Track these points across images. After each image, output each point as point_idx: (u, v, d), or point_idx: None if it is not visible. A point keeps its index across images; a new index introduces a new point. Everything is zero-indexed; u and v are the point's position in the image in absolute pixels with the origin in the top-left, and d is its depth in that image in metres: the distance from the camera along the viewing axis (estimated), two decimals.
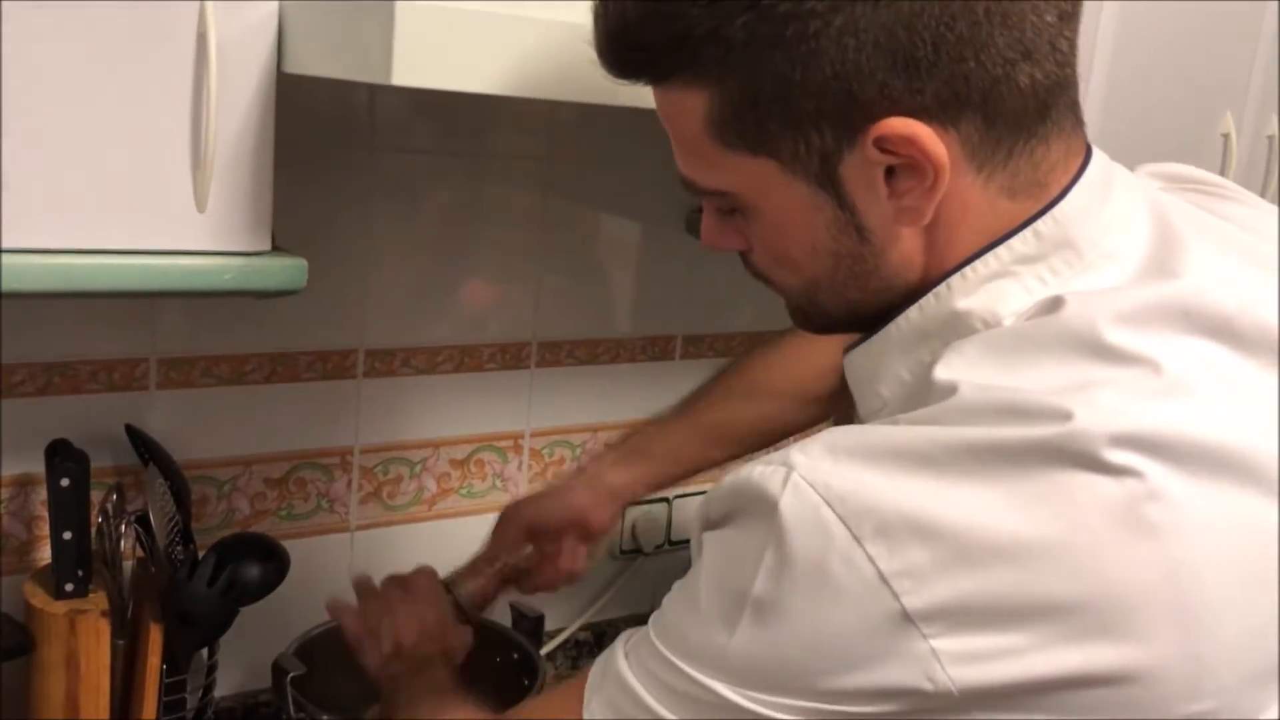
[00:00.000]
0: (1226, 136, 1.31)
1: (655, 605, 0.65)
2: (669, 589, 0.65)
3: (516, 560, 1.07)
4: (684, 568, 0.63)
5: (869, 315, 0.66)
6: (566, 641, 1.36)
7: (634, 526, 1.40)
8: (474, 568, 1.07)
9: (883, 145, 0.58)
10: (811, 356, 1.03)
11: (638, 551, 1.41)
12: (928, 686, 0.53)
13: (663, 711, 0.61)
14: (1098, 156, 0.64)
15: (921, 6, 0.55)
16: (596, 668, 0.67)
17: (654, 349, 1.40)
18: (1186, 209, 0.67)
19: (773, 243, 0.66)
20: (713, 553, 0.60)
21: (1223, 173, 1.32)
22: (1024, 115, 0.59)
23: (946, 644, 0.53)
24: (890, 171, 0.59)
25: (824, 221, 0.62)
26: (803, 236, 0.63)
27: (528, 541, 1.07)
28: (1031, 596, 0.52)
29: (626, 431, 1.10)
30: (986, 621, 0.52)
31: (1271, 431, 0.57)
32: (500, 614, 1.16)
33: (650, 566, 1.42)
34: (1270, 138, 1.35)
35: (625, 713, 0.63)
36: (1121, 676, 0.52)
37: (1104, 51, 1.17)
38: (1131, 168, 0.71)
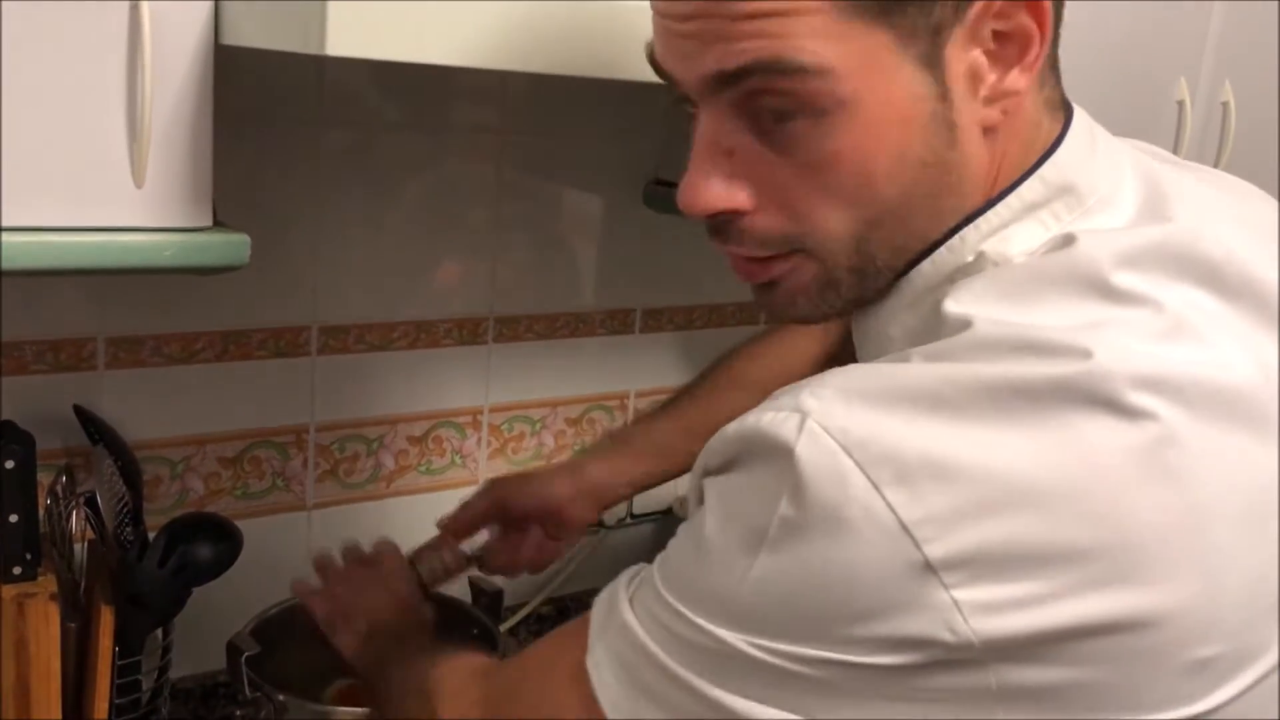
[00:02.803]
0: (1181, 103, 1.31)
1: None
2: (631, 563, 0.63)
3: (477, 542, 1.07)
4: (647, 541, 0.62)
5: (905, 268, 0.62)
6: (529, 616, 1.36)
7: None
8: (436, 543, 1.07)
9: (994, 10, 0.57)
10: (798, 348, 1.02)
11: (600, 525, 1.41)
12: (949, 638, 0.51)
13: (666, 659, 0.58)
14: (1079, 109, 0.65)
15: None
16: (599, 610, 0.64)
17: (613, 322, 1.39)
18: (1164, 167, 0.67)
19: (852, 157, 0.58)
20: (721, 499, 0.57)
21: (1177, 139, 1.32)
22: (1059, 23, 0.60)
23: (968, 594, 0.51)
24: (987, 55, 0.58)
25: (923, 119, 0.57)
26: (896, 141, 0.57)
27: (495, 521, 1.06)
28: (1053, 543, 0.51)
29: (617, 428, 1.09)
30: (1009, 570, 0.51)
31: (1256, 377, 0.57)
32: (459, 589, 1.16)
33: (613, 540, 1.42)
34: (1224, 104, 1.36)
35: (629, 659, 0.60)
36: (1139, 622, 0.51)
37: None
38: None
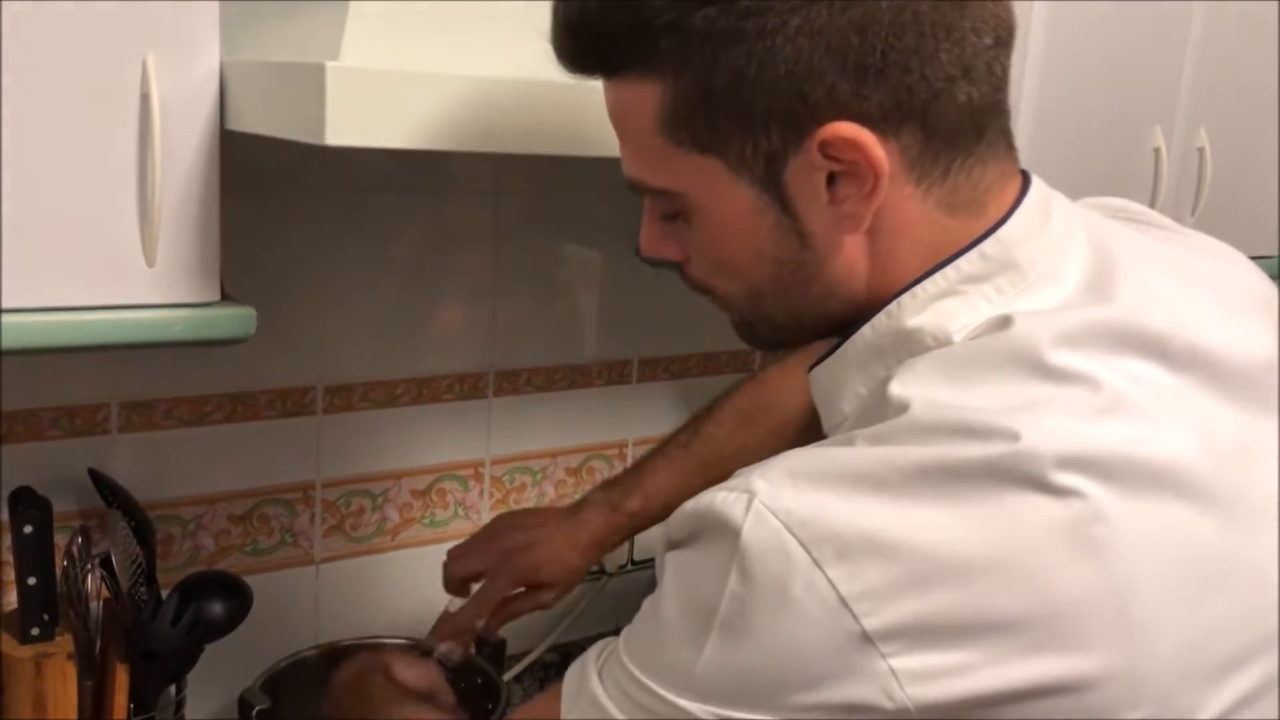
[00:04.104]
0: (1157, 151, 1.34)
1: (620, 625, 0.67)
2: (633, 609, 0.67)
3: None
4: (648, 587, 0.65)
5: (812, 325, 0.69)
6: (534, 664, 1.38)
7: None
8: (446, 621, 1.09)
9: (826, 150, 0.60)
10: (784, 407, 1.05)
11: (601, 572, 1.44)
12: (886, 704, 0.55)
13: None
14: (1037, 182, 0.67)
15: (874, 15, 0.58)
16: (570, 683, 0.69)
17: (611, 373, 1.43)
18: (1122, 231, 0.70)
19: (715, 248, 0.67)
20: (677, 575, 0.62)
21: (1154, 187, 1.36)
22: (960, 132, 0.62)
23: (904, 663, 0.55)
24: (831, 179, 0.61)
25: (767, 226, 0.64)
26: (746, 241, 0.65)
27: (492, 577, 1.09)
28: (983, 614, 0.54)
29: (615, 477, 1.11)
30: (941, 640, 0.55)
31: (1195, 449, 0.59)
32: None
33: (614, 587, 1.45)
34: (1200, 150, 1.39)
35: None
36: (1068, 687, 0.55)
37: (1034, 69, 1.20)
38: (1067, 189, 0.73)
